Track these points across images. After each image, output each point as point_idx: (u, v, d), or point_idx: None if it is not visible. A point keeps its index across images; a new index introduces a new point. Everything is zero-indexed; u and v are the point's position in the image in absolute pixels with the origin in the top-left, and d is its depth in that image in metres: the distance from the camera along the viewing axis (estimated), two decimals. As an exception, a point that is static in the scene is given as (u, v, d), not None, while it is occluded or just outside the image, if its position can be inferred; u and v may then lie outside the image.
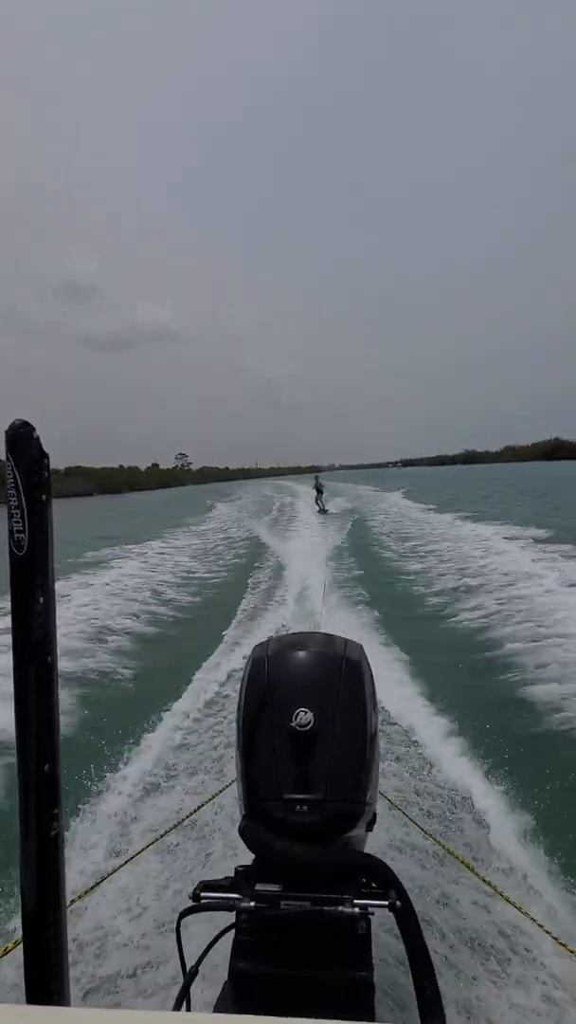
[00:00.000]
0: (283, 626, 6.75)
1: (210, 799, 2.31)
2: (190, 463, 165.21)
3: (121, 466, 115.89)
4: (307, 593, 8.30)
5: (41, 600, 0.70)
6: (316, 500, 22.46)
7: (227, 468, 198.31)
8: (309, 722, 1.08)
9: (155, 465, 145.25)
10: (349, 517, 19.19)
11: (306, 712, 1.09)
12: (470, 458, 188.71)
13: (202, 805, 2.29)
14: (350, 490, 34.93)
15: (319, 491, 22.90)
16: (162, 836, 2.05)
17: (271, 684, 1.18)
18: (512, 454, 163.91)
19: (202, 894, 1.01)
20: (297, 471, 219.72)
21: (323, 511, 21.17)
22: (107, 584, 9.53)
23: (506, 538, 11.59)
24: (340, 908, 0.96)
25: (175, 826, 2.19)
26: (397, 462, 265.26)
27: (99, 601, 8.45)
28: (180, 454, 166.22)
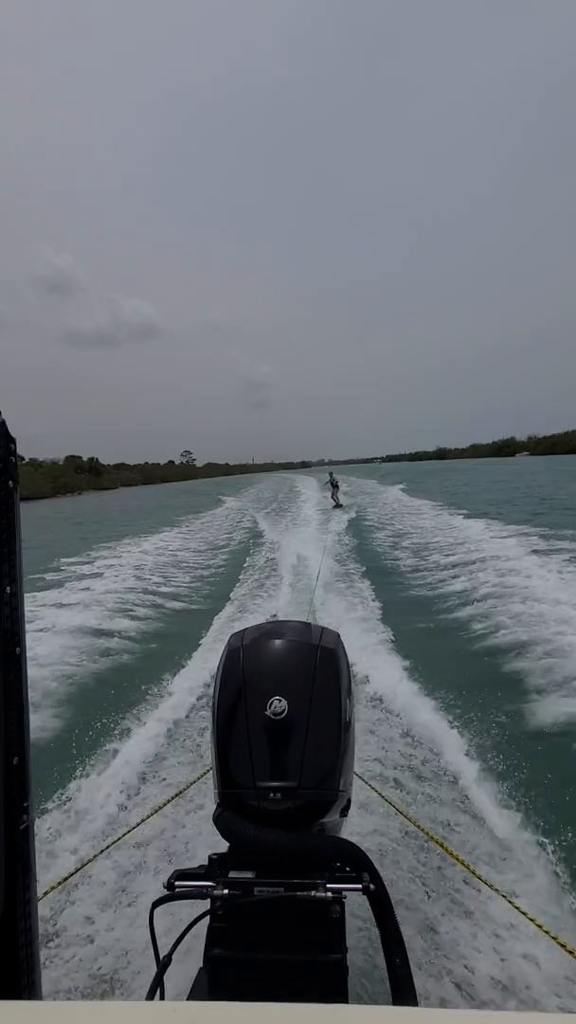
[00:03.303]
0: (274, 615, 6.60)
1: (184, 790, 2.29)
2: (194, 459, 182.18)
3: (146, 463, 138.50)
4: (303, 579, 8.36)
5: (8, 589, 0.69)
6: (332, 495, 22.17)
7: (227, 464, 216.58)
8: (283, 710, 1.08)
9: (171, 462, 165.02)
10: (356, 509, 19.61)
11: (280, 700, 1.09)
12: (441, 454, 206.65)
13: (176, 795, 2.24)
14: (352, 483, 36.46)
15: (335, 486, 22.56)
16: (135, 827, 2.06)
17: (246, 673, 1.17)
18: (474, 451, 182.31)
19: (176, 883, 1.00)
20: (289, 467, 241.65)
21: (338, 505, 21.05)
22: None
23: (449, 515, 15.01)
24: (313, 893, 0.95)
25: (149, 815, 2.19)
26: (380, 458, 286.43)
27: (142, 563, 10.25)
28: (185, 451, 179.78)
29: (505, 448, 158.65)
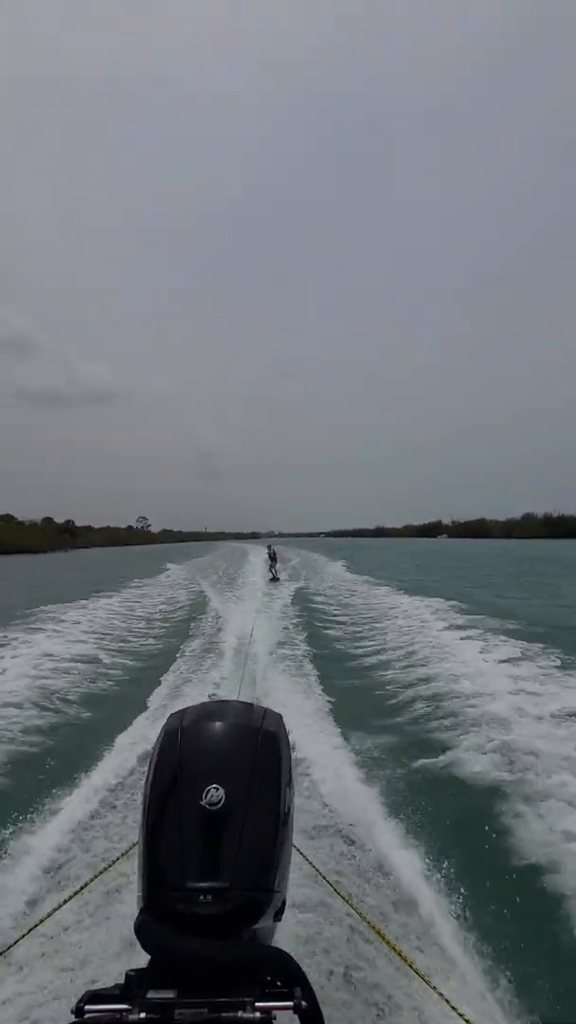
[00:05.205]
0: (213, 694, 6.11)
1: (90, 881, 1.99)
2: (149, 525, 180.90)
3: (108, 526, 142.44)
4: (248, 651, 7.82)
5: None
6: (270, 568, 21.09)
7: (182, 531, 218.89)
8: (220, 800, 0.98)
9: (129, 527, 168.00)
10: (296, 584, 18.50)
11: (217, 789, 0.99)
12: (379, 532, 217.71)
13: (84, 887, 1.96)
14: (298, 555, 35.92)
15: (272, 559, 21.48)
16: (28, 931, 1.75)
17: (182, 758, 1.07)
18: (406, 530, 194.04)
19: (86, 1007, 0.85)
20: (240, 536, 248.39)
21: (275, 579, 19.91)
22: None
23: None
24: (240, 1013, 0.82)
25: (43, 918, 1.87)
26: (323, 533, 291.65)
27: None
28: (141, 517, 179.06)
29: (431, 529, 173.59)
